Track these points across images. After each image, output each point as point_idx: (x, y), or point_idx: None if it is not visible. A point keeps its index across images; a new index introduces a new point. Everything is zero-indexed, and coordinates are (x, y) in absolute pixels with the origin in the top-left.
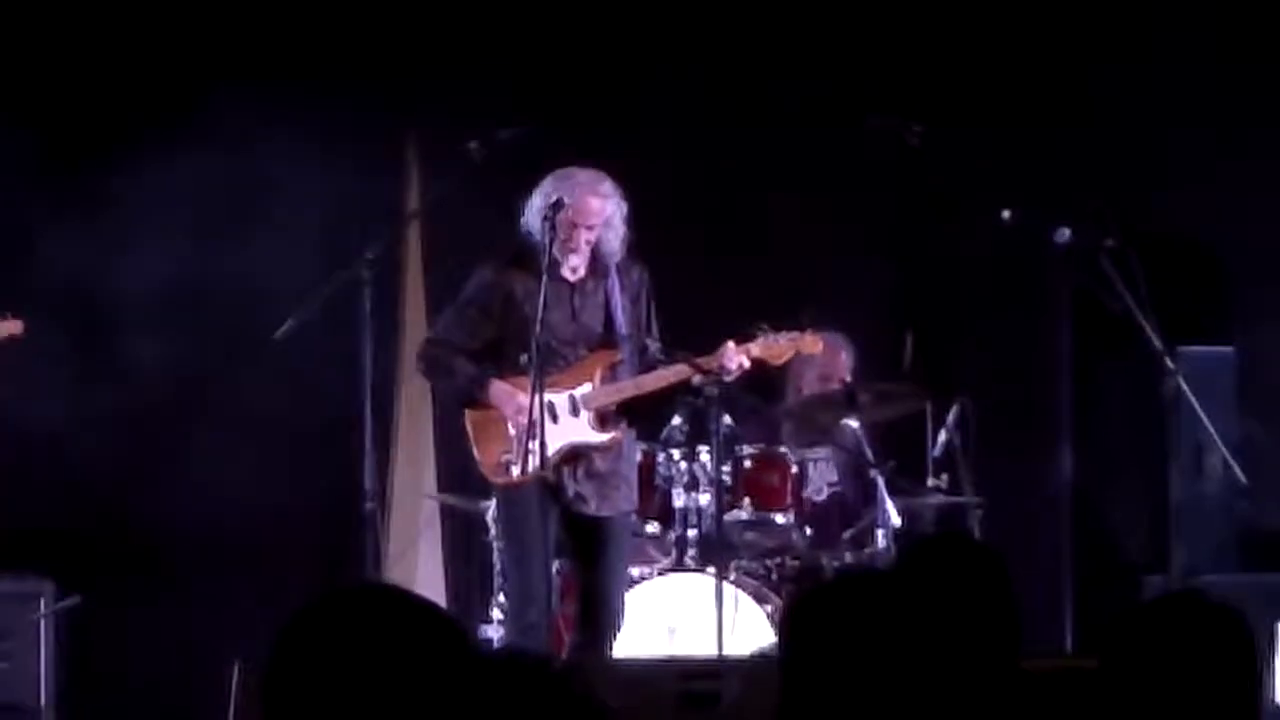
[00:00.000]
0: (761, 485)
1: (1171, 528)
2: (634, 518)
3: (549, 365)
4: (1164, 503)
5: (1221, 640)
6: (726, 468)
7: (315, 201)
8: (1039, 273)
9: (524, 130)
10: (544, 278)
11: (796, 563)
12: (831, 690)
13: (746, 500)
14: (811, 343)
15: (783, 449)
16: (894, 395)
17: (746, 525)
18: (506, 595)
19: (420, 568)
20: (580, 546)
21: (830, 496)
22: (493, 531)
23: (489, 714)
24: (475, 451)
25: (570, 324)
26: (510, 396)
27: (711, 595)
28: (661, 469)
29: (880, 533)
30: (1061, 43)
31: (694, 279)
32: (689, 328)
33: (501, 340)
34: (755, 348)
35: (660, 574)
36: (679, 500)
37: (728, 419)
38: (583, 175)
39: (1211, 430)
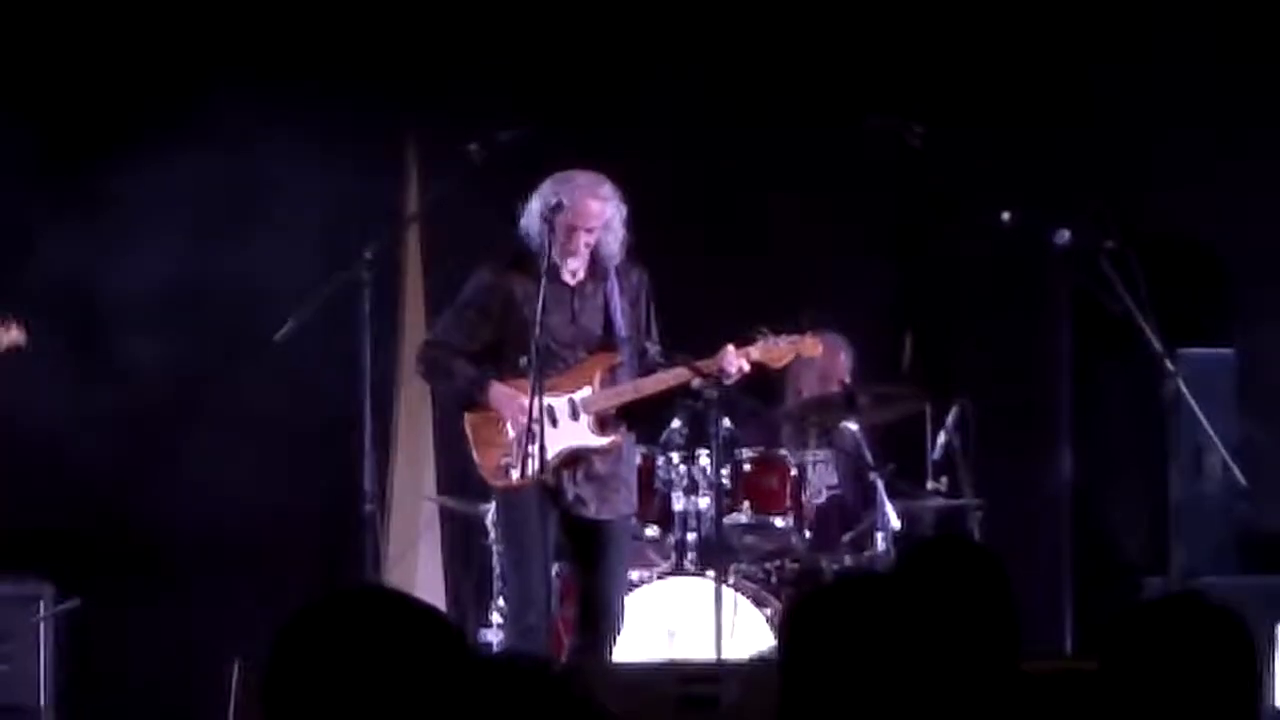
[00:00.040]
0: (761, 488)
1: (1171, 529)
2: (633, 521)
3: (548, 368)
4: (1164, 504)
5: (1221, 642)
6: (726, 471)
7: (315, 202)
8: (1039, 274)
9: (524, 132)
10: (543, 280)
11: (796, 566)
12: (831, 693)
13: (746, 503)
14: (811, 346)
15: (782, 452)
16: (893, 397)
17: (746, 528)
18: (506, 598)
19: (419, 570)
20: (580, 550)
21: (830, 499)
22: (492, 534)
23: (488, 717)
24: (475, 455)
25: (569, 327)
26: (510, 399)
27: (711, 599)
28: (661, 472)
29: (880, 535)
30: (1061, 43)
31: (694, 279)
32: (689, 328)
33: (501, 343)
34: (755, 351)
35: (660, 577)
36: (678, 503)
37: (727, 422)
38: (582, 178)
39: (1211, 431)
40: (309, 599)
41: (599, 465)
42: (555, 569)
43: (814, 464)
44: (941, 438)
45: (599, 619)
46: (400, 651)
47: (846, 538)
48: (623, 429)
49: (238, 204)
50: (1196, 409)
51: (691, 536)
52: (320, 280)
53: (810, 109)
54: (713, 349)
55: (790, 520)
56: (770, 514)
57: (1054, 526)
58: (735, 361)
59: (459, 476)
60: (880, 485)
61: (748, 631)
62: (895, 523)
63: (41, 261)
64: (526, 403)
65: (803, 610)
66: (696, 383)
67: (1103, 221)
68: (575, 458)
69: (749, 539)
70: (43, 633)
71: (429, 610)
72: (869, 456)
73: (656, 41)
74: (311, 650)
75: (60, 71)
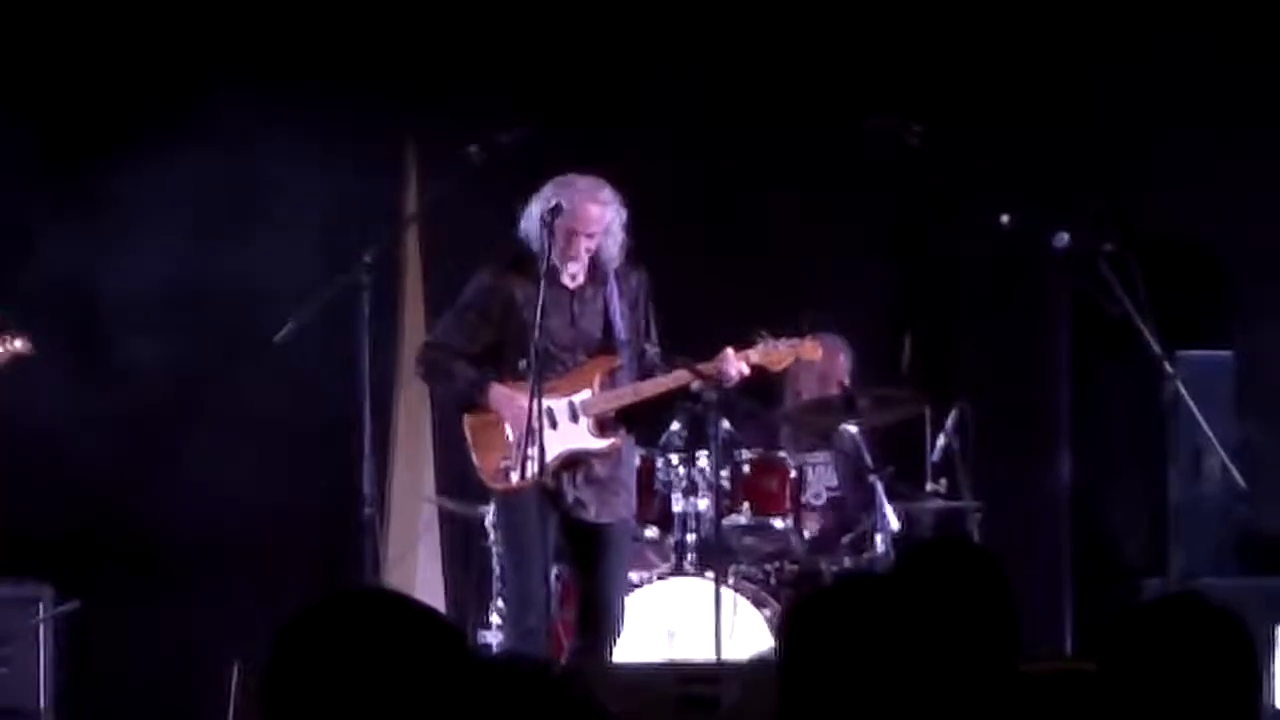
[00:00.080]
0: (760, 490)
1: (1170, 530)
2: (633, 523)
3: (548, 371)
4: (1163, 505)
5: (1221, 643)
6: (725, 472)
7: (315, 202)
8: (1038, 276)
9: (524, 133)
10: (542, 283)
11: (795, 567)
12: (830, 694)
13: (745, 505)
14: (811, 349)
15: (781, 453)
16: (893, 399)
17: (745, 530)
18: (505, 600)
19: (419, 572)
20: (580, 552)
21: (829, 501)
22: (491, 536)
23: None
24: (474, 457)
25: (569, 330)
26: (510, 400)
27: (710, 600)
28: (660, 474)
29: (879, 537)
30: (1061, 43)
31: (694, 280)
32: (689, 328)
33: (500, 345)
34: (755, 354)
35: (659, 579)
36: (678, 505)
37: (726, 424)
38: (583, 182)
39: (1210, 433)
40: (308, 600)
41: (599, 468)
42: (555, 571)
43: (813, 466)
44: (941, 440)
45: (599, 621)
46: (400, 653)
47: (846, 539)
48: (622, 432)
49: (238, 204)
50: (1195, 411)
51: (691, 538)
52: (320, 281)
53: (810, 109)
54: (712, 350)
55: (789, 522)
56: (769, 515)
57: (1053, 528)
58: (735, 365)
59: (458, 478)
60: (879, 487)
61: (747, 632)
62: (895, 524)
63: (41, 261)
64: (523, 402)
65: (802, 611)
66: (696, 385)
67: (1102, 223)
68: (575, 460)
69: (748, 540)
70: (42, 634)
71: (428, 612)
72: (868, 458)
73: (656, 41)
74: (311, 652)
75: (60, 71)
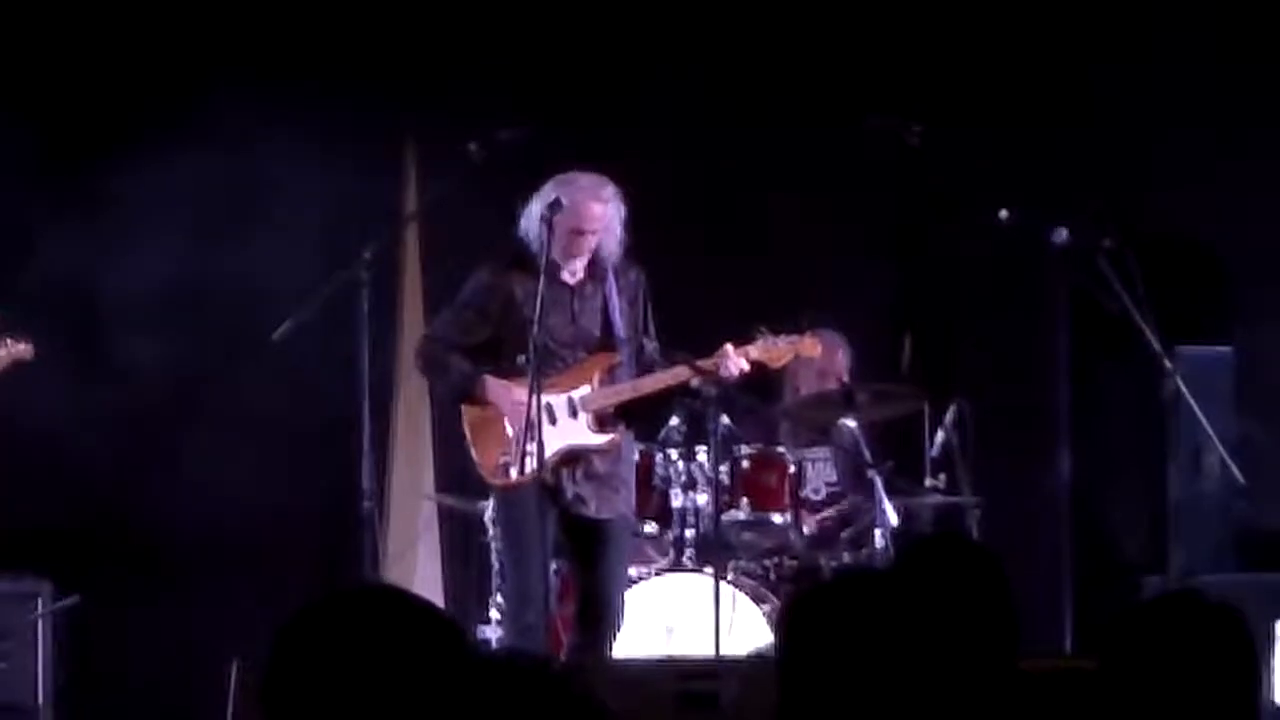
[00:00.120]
0: (759, 485)
1: (1170, 527)
2: (632, 518)
3: (547, 367)
4: (1162, 503)
5: (1220, 640)
6: (724, 468)
7: (315, 201)
8: (1037, 273)
9: (523, 131)
10: (542, 280)
11: (794, 563)
12: (829, 690)
13: (744, 500)
14: (810, 346)
15: (780, 449)
16: (892, 395)
17: (744, 525)
18: (505, 596)
19: (418, 568)
20: (579, 548)
21: (828, 496)
22: (491, 532)
23: (487, 715)
24: (474, 453)
25: (569, 327)
26: (506, 391)
27: (709, 595)
28: (659, 469)
29: (878, 533)
30: (1061, 43)
31: (694, 279)
32: (688, 328)
33: (500, 342)
34: (754, 350)
35: (658, 574)
36: (677, 500)
37: (725, 419)
38: (584, 180)
39: (1210, 430)
40: (308, 598)
41: (599, 464)
42: (554, 567)
43: (812, 461)
44: (940, 435)
45: (598, 617)
46: (400, 650)
47: (845, 535)
48: (621, 428)
49: (238, 204)
50: (1195, 408)
51: (690, 533)
52: (320, 280)
53: (810, 109)
54: (712, 349)
55: (788, 517)
56: (768, 511)
57: (1053, 525)
58: (735, 361)
59: (458, 475)
60: (879, 482)
61: (746, 628)
62: (894, 520)
63: (41, 261)
64: (520, 396)
65: (801, 607)
66: (695, 381)
67: (1100, 221)
68: (574, 456)
69: (747, 536)
70: (41, 631)
71: (428, 608)
72: (867, 454)
73: (656, 41)
74: (311, 649)
75: (60, 71)
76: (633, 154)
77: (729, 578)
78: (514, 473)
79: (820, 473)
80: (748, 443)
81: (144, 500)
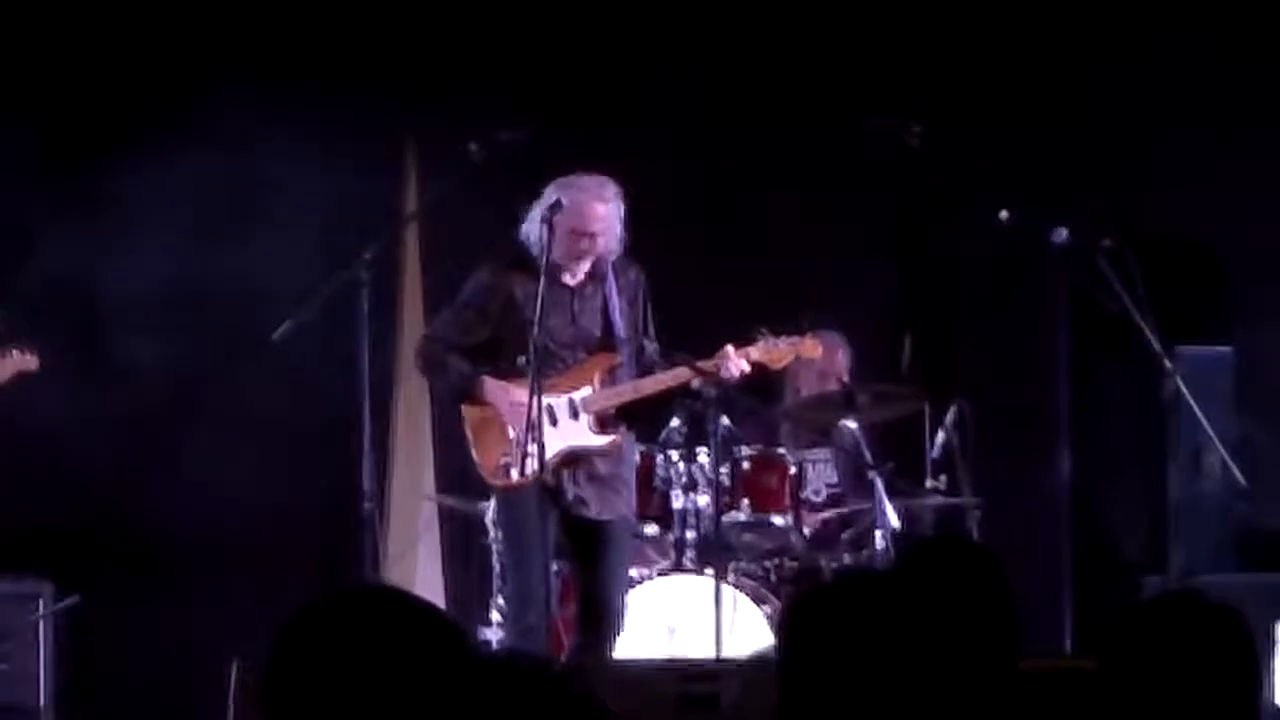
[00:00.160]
0: (760, 487)
1: (1170, 528)
2: (633, 520)
3: (547, 369)
4: (1163, 503)
5: (1221, 640)
6: (725, 469)
7: (315, 202)
8: (1037, 273)
9: (524, 131)
10: (542, 281)
11: (795, 564)
12: (830, 692)
13: (745, 502)
14: (811, 347)
15: (781, 450)
16: (892, 396)
17: (745, 526)
18: (506, 597)
19: (419, 569)
20: (580, 549)
21: (829, 498)
22: (492, 533)
23: (488, 717)
24: (475, 454)
25: (569, 327)
26: (504, 391)
27: (710, 597)
28: (660, 470)
29: (879, 534)
30: (1061, 43)
31: (694, 279)
32: (688, 328)
33: (500, 342)
34: (755, 351)
35: (659, 575)
36: (678, 502)
37: (726, 420)
38: (586, 181)
39: (1210, 430)
40: (309, 598)
41: (600, 465)
42: (555, 568)
43: (813, 462)
44: (940, 436)
45: (599, 618)
46: (400, 651)
47: (845, 536)
48: (622, 429)
49: (238, 204)
50: (1195, 408)
51: (691, 534)
52: (320, 280)
53: (810, 109)
54: (713, 349)
55: (789, 519)
56: (769, 512)
57: (1053, 525)
58: (736, 363)
59: (458, 475)
60: (879, 484)
61: (747, 629)
62: (894, 521)
63: (42, 261)
64: (518, 397)
65: (802, 608)
66: (696, 382)
67: (1100, 221)
68: (575, 457)
69: (748, 537)
70: (42, 632)
71: (429, 609)
72: (868, 455)
73: (656, 41)
74: (311, 650)
75: (60, 71)
76: (633, 154)
77: (730, 579)
78: (515, 474)
79: (821, 474)
80: (748, 444)
81: (145, 501)
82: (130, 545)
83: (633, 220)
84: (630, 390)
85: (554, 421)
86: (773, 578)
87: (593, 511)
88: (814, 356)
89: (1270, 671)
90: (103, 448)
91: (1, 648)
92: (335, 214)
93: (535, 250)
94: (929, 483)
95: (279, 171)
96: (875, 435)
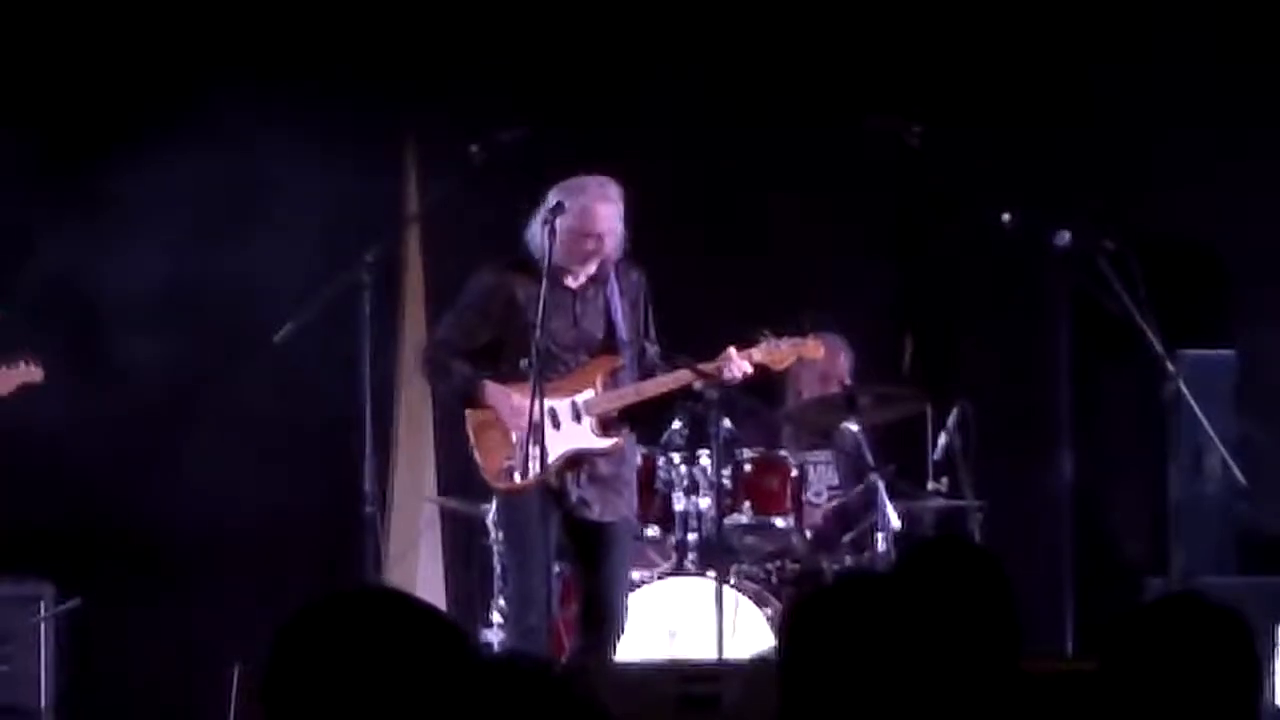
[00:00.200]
0: (761, 489)
1: (1171, 529)
2: (635, 521)
3: (549, 371)
4: (1164, 505)
5: (1222, 642)
6: (726, 471)
7: (315, 202)
8: (1039, 275)
9: (524, 131)
10: (544, 283)
11: (796, 566)
12: (832, 693)
13: (746, 504)
14: (814, 348)
15: (783, 452)
16: (894, 398)
17: (746, 529)
18: (507, 599)
19: (420, 571)
20: (583, 551)
21: (830, 500)
22: (493, 535)
23: (489, 718)
24: (477, 456)
25: (571, 330)
26: (505, 396)
27: (712, 599)
28: (662, 472)
29: (880, 536)
30: (1061, 43)
31: (694, 279)
32: (689, 328)
33: (502, 345)
34: (757, 353)
35: (660, 578)
36: (679, 504)
37: (728, 422)
38: (588, 182)
39: (1211, 432)
40: (309, 599)
41: (603, 467)
42: (556, 569)
43: (815, 464)
44: (942, 438)
45: (601, 620)
46: (401, 652)
47: (847, 538)
48: (625, 430)
49: (238, 204)
50: (1196, 409)
51: (692, 537)
52: (320, 280)
53: (810, 109)
54: (713, 349)
55: (790, 521)
56: (771, 514)
57: (1054, 527)
58: (738, 364)
59: (459, 477)
60: (881, 486)
61: (749, 632)
62: (896, 523)
63: (43, 262)
64: (520, 401)
65: (803, 610)
66: (698, 384)
67: (1102, 222)
68: (578, 459)
69: (749, 539)
70: (43, 633)
71: (430, 611)
72: (869, 457)
73: (656, 41)
74: (312, 651)
75: (60, 71)
76: (633, 154)
77: (731, 581)
78: (518, 477)
79: (822, 476)
80: (750, 446)
81: (146, 502)
82: (131, 546)
83: (633, 220)
84: (632, 393)
85: (556, 424)
86: (774, 580)
87: (595, 513)
88: (816, 357)
89: (1271, 673)
90: (103, 449)
91: (2, 649)
92: (335, 214)
93: (538, 254)
94: (930, 484)
95: (279, 171)
96: (876, 437)
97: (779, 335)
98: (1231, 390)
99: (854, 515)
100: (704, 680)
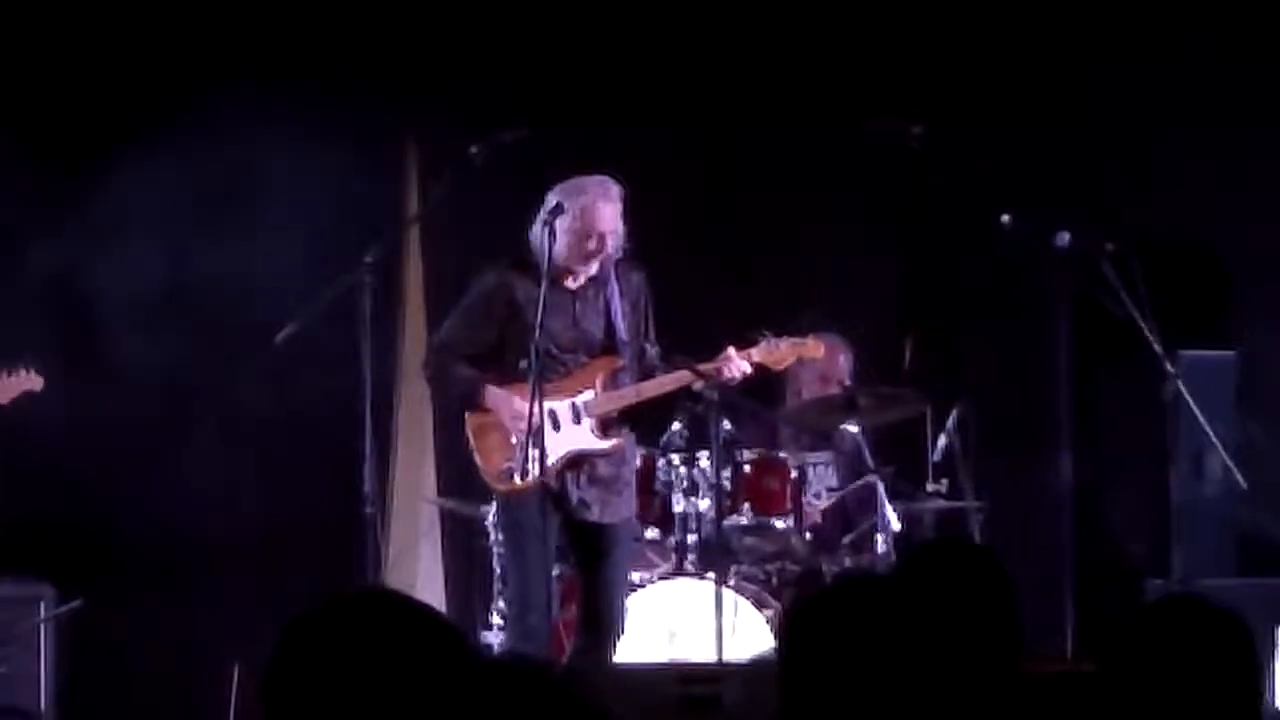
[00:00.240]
0: (761, 490)
1: (1172, 531)
2: (635, 522)
3: (549, 373)
4: (1164, 506)
5: (1222, 644)
6: (726, 473)
7: (315, 202)
8: (1039, 276)
9: (524, 131)
10: (544, 284)
11: (796, 568)
12: (831, 695)
13: (746, 505)
14: (814, 348)
15: (782, 454)
16: (894, 399)
17: (746, 530)
18: (507, 601)
19: (420, 572)
20: (583, 552)
21: (830, 500)
22: (493, 536)
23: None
24: (478, 458)
25: (570, 331)
26: (506, 400)
27: (711, 600)
28: (661, 474)
29: (880, 537)
30: (1061, 43)
31: (694, 279)
32: (689, 328)
33: (502, 346)
34: (757, 353)
35: (660, 579)
36: (679, 505)
37: (727, 424)
38: (590, 182)
39: (1211, 434)
40: (309, 601)
41: (603, 468)
42: (556, 571)
43: (814, 465)
44: (942, 440)
45: (601, 621)
46: (401, 654)
47: (847, 540)
48: (624, 431)
49: (237, 204)
50: (1197, 410)
51: (692, 538)
52: (320, 281)
53: (811, 109)
54: (713, 350)
55: (790, 522)
56: (770, 516)
57: (1055, 528)
58: (738, 364)
59: (459, 479)
60: (880, 487)
61: (748, 633)
62: (896, 524)
63: (42, 261)
64: (520, 406)
65: (803, 612)
66: (697, 385)
67: (1102, 222)
68: (578, 460)
69: (749, 541)
70: (43, 634)
71: (430, 612)
72: (869, 458)
73: (656, 41)
74: (313, 652)
75: (59, 71)
76: (633, 154)
77: (731, 583)
78: (518, 478)
79: (822, 477)
80: (749, 447)
81: (146, 503)
82: (131, 546)
83: (633, 220)
84: (632, 393)
85: (556, 425)
86: (774, 581)
87: (595, 515)
88: (816, 357)
89: (1272, 676)
90: (103, 449)
91: (2, 649)
92: (335, 214)
93: (540, 256)
94: (930, 485)
95: (279, 172)
96: (876, 438)
97: (778, 335)
98: (1231, 391)
99: (854, 516)
100: (704, 681)
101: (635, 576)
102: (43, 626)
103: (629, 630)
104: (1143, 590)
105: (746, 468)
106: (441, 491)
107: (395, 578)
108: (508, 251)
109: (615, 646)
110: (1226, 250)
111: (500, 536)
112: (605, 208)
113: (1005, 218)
